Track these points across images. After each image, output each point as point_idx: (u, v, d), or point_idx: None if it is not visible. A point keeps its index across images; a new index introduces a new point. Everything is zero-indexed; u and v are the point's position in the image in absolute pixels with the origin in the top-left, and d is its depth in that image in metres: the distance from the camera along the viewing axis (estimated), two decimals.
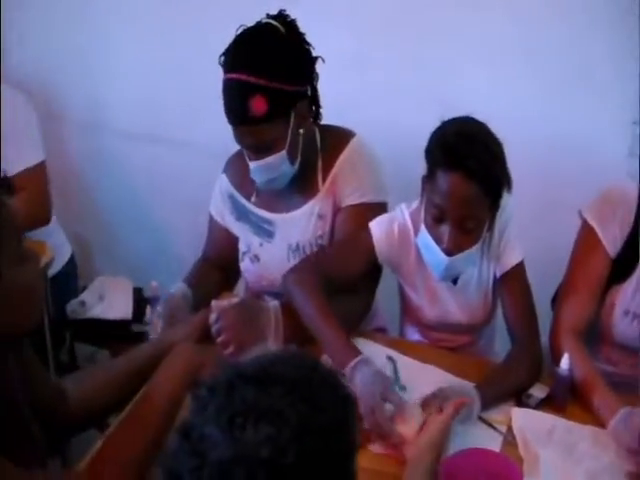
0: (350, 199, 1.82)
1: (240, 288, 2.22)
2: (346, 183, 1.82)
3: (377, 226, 1.77)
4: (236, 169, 1.94)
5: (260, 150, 1.72)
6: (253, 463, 0.72)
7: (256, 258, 1.94)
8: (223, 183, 1.97)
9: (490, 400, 1.57)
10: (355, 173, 1.83)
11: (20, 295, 1.16)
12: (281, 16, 1.69)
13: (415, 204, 1.74)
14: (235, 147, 2.71)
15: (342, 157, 1.83)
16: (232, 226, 1.98)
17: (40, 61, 2.98)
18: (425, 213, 1.64)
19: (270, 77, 1.62)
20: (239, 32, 1.69)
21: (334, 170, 1.83)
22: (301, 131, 1.74)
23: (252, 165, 1.75)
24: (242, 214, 1.94)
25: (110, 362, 1.59)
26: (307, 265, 1.76)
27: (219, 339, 1.61)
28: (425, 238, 1.64)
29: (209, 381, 0.81)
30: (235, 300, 1.70)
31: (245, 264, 1.97)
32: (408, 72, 2.34)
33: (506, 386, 1.64)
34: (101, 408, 1.51)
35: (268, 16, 1.69)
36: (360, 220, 1.80)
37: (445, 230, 1.58)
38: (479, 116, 1.58)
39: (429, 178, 1.59)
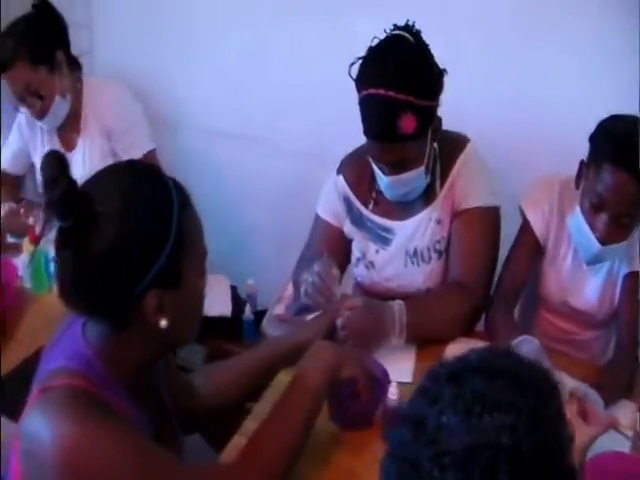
0: (467, 203, 1.85)
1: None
2: (464, 188, 1.85)
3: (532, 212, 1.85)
4: (353, 172, 1.96)
5: (400, 166, 1.74)
6: (494, 450, 0.75)
7: (371, 265, 1.96)
8: (339, 184, 1.97)
9: (608, 402, 1.58)
10: (472, 177, 1.85)
11: (195, 305, 1.23)
12: (408, 27, 1.70)
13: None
14: (319, 147, 2.80)
15: (459, 162, 1.85)
16: (347, 228, 1.99)
17: (123, 61, 3.05)
18: (583, 197, 1.70)
19: (418, 94, 1.64)
20: (373, 45, 1.70)
21: (451, 175, 1.85)
22: (435, 145, 1.77)
23: (387, 180, 1.77)
24: (358, 219, 1.96)
25: (234, 359, 1.63)
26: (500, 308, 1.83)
27: (347, 343, 1.65)
28: (579, 220, 1.71)
29: (432, 373, 0.85)
30: (359, 301, 1.74)
31: (359, 270, 1.99)
32: None
33: (617, 387, 1.67)
34: (227, 404, 1.57)
35: (396, 27, 1.71)
36: (478, 224, 1.84)
37: (602, 219, 1.65)
38: None
39: (593, 166, 1.65)
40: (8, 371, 1.78)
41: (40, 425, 1.08)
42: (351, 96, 2.61)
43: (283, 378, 1.57)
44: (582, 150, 1.73)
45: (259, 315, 2.37)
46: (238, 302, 2.47)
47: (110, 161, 2.39)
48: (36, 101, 2.32)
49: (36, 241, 2.05)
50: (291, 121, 2.80)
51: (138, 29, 3.00)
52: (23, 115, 2.52)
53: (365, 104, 1.69)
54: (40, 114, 2.37)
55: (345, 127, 2.67)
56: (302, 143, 2.83)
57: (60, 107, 2.37)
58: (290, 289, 2.20)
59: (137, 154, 2.42)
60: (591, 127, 1.69)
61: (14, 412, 1.71)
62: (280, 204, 2.96)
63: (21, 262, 2.09)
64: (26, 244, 2.06)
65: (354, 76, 1.70)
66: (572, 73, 2.19)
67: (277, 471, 1.25)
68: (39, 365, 1.27)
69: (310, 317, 1.88)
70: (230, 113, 2.96)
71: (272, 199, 2.97)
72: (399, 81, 1.63)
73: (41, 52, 2.29)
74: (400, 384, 1.50)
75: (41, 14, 2.30)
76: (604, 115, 1.69)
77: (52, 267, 2.05)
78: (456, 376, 0.82)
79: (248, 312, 2.37)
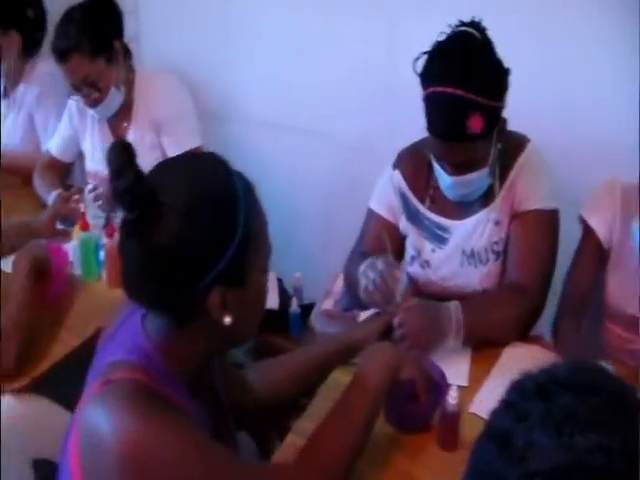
0: (527, 205, 1.81)
1: None
2: (524, 189, 1.81)
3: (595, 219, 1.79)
4: (410, 167, 1.92)
5: (465, 167, 1.71)
6: (587, 471, 0.72)
7: (427, 264, 1.93)
8: (395, 179, 1.94)
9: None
10: (533, 179, 1.81)
11: (258, 303, 1.21)
12: (474, 23, 1.66)
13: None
14: (369, 141, 2.77)
15: (519, 162, 1.81)
16: (402, 226, 1.96)
17: (170, 49, 3.05)
18: None
19: (487, 94, 1.61)
20: (439, 41, 1.67)
21: (511, 176, 1.81)
22: (499, 145, 1.74)
23: (450, 180, 1.74)
24: (414, 216, 1.92)
25: (288, 355, 1.61)
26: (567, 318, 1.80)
27: (403, 343, 1.62)
28: None
29: (518, 387, 0.82)
30: (416, 301, 1.71)
31: (414, 269, 1.95)
32: None
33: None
34: (279, 401, 1.55)
35: (462, 23, 1.67)
36: (537, 226, 1.80)
37: None
38: None
39: None
40: (59, 359, 1.77)
41: (101, 419, 1.06)
42: (403, 90, 2.59)
43: (338, 376, 1.56)
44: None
45: (305, 308, 2.36)
46: (284, 295, 2.44)
47: (158, 154, 2.39)
48: (92, 92, 2.32)
49: (86, 228, 2.03)
50: (342, 114, 2.77)
51: (186, 16, 2.99)
52: (74, 102, 2.52)
53: (431, 102, 1.66)
54: (94, 104, 2.36)
55: (395, 121, 2.67)
56: (352, 137, 2.80)
57: (114, 98, 2.37)
58: (339, 284, 2.19)
59: (183, 149, 2.38)
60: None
61: (65, 400, 1.72)
62: (328, 197, 2.94)
63: (71, 249, 2.07)
64: (76, 231, 2.05)
65: (418, 71, 1.67)
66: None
67: (338, 472, 1.22)
68: (96, 357, 1.27)
69: (362, 314, 1.86)
70: (280, 105, 2.94)
71: (320, 192, 2.95)
72: (468, 80, 1.60)
73: (100, 43, 2.28)
74: (458, 387, 1.47)
75: (98, 3, 2.28)
76: None
77: (101, 254, 2.06)
78: (544, 391, 0.78)
79: (295, 305, 2.35)
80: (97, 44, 2.26)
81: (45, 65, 2.81)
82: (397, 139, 2.62)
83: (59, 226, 2.26)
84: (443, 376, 1.51)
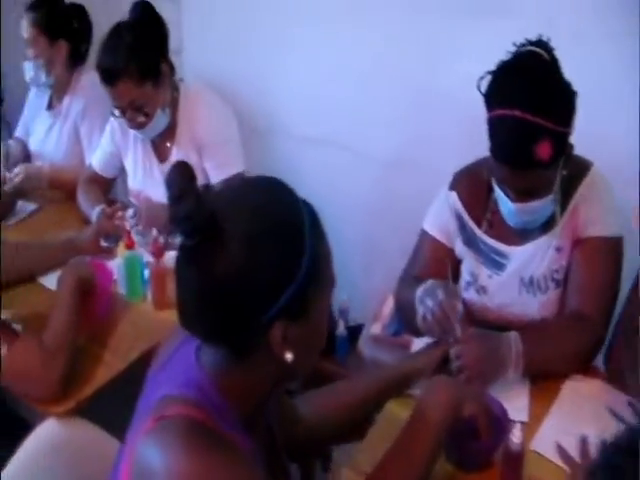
0: (590, 231, 1.74)
1: None
2: (587, 214, 1.74)
3: None
4: (467, 189, 1.86)
5: (529, 193, 1.65)
6: None
7: (483, 290, 1.86)
8: (451, 201, 1.87)
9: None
10: (596, 204, 1.74)
11: (320, 337, 1.14)
12: (541, 42, 1.60)
13: None
14: (412, 158, 2.72)
15: (582, 187, 1.74)
16: (458, 249, 1.90)
17: (218, 65, 3.03)
18: None
19: (556, 119, 1.54)
20: (505, 61, 1.61)
21: (574, 201, 1.74)
22: (564, 172, 1.67)
23: (513, 206, 1.68)
24: (471, 240, 1.86)
25: (340, 385, 1.55)
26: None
27: (461, 375, 1.56)
28: None
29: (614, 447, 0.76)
30: (474, 331, 1.64)
31: (470, 295, 1.88)
32: None
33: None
34: (331, 433, 1.50)
35: (529, 42, 1.61)
36: (601, 254, 1.73)
37: None
38: None
39: None
40: (104, 383, 1.73)
41: (155, 457, 1.01)
42: (442, 105, 2.55)
43: (393, 408, 1.53)
44: None
45: (351, 330, 2.31)
46: (330, 318, 2.37)
47: (200, 177, 2.34)
48: (138, 116, 2.26)
49: (132, 247, 2.00)
50: (384, 130, 2.73)
51: (229, 27, 2.96)
52: (117, 121, 2.48)
53: (497, 125, 1.59)
54: (139, 127, 2.31)
55: (436, 137, 2.62)
56: (394, 153, 2.76)
57: (159, 120, 2.31)
58: (387, 307, 2.13)
59: (225, 175, 2.34)
60: None
61: (110, 425, 1.68)
62: (370, 215, 2.89)
63: (115, 267, 2.04)
64: (121, 249, 2.02)
65: (482, 91, 1.62)
66: None
67: None
68: (146, 386, 1.22)
69: (416, 341, 1.81)
70: (320, 119, 2.90)
71: (362, 210, 2.91)
72: (536, 103, 1.54)
73: (149, 67, 2.23)
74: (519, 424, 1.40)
75: (146, 21, 2.23)
76: None
77: (146, 274, 2.02)
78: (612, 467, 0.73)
79: (341, 328, 2.30)
80: (145, 68, 2.20)
81: (90, 77, 2.78)
82: (438, 155, 2.59)
83: (103, 243, 2.24)
84: (504, 412, 1.44)
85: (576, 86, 1.76)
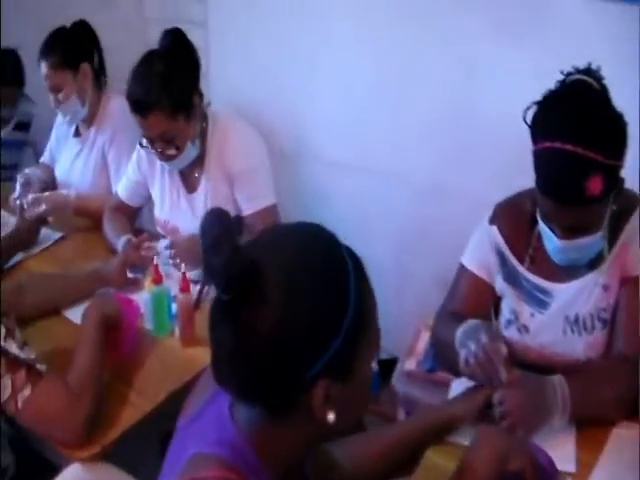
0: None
1: None
2: (636, 251, 1.65)
3: None
4: (508, 224, 1.78)
5: (577, 230, 1.57)
6: None
7: (525, 329, 1.77)
8: (492, 235, 1.79)
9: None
10: None
11: (364, 395, 1.06)
12: (590, 71, 1.53)
13: None
14: (444, 183, 2.65)
15: (631, 223, 1.66)
16: (498, 286, 1.82)
17: (243, 93, 2.99)
18: None
19: (608, 153, 1.47)
20: (553, 91, 1.54)
21: (622, 237, 1.66)
22: (614, 207, 1.59)
23: (559, 243, 1.60)
24: (512, 277, 1.78)
25: (377, 431, 1.49)
26: None
27: (504, 422, 1.49)
28: None
29: None
30: (517, 375, 1.56)
31: (510, 333, 1.80)
32: None
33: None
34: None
35: (577, 70, 1.53)
36: None
37: None
38: None
39: None
40: (130, 425, 1.66)
41: None
42: (478, 132, 2.49)
43: (432, 456, 1.47)
44: None
45: (384, 364, 2.22)
46: None
47: (230, 208, 2.27)
48: (168, 148, 2.19)
49: (159, 281, 1.94)
50: (416, 155, 2.68)
51: (257, 51, 2.93)
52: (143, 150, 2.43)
53: (545, 159, 1.52)
54: (168, 159, 2.24)
55: (473, 163, 2.56)
56: (426, 178, 2.70)
57: (189, 153, 2.25)
58: (422, 342, 2.07)
59: (257, 207, 2.28)
60: None
61: (137, 468, 1.62)
62: (402, 242, 2.83)
63: (142, 301, 1.98)
64: (148, 283, 1.96)
65: (528, 122, 1.55)
66: None
67: None
68: (176, 437, 1.15)
69: (454, 383, 1.73)
70: (352, 144, 2.86)
71: (393, 236, 2.85)
72: (588, 136, 1.46)
73: (182, 100, 2.16)
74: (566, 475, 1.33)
75: (179, 50, 2.17)
76: None
77: (174, 308, 1.96)
78: None
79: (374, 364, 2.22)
80: (178, 102, 2.13)
81: (118, 103, 2.74)
82: (471, 181, 2.53)
83: (129, 274, 2.18)
84: (551, 462, 1.35)
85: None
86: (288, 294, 0.92)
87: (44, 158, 3.05)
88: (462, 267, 1.86)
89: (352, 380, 0.97)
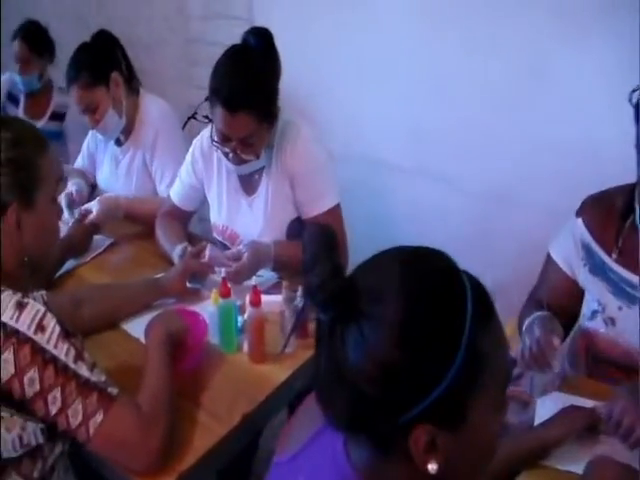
0: None
1: None
2: None
3: None
4: (595, 216, 1.74)
5: None
6: None
7: (611, 321, 1.71)
8: (577, 228, 1.76)
9: None
10: None
11: (485, 452, 0.95)
12: None
13: None
14: (502, 189, 2.56)
15: None
16: (582, 278, 1.77)
17: (289, 91, 2.89)
18: None
19: None
20: None
21: None
22: None
23: None
24: (598, 268, 1.72)
25: None
26: None
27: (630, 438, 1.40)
28: None
29: None
30: (620, 389, 1.50)
31: (596, 324, 1.73)
32: None
33: None
34: None
35: None
36: None
37: None
38: None
39: None
40: (205, 451, 1.57)
41: None
42: (544, 142, 2.39)
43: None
44: None
45: None
46: None
47: (291, 210, 2.18)
48: (246, 152, 2.08)
49: (227, 294, 1.85)
50: (472, 159, 2.59)
51: (310, 48, 2.83)
52: (198, 146, 2.34)
53: None
54: (240, 163, 2.12)
55: (529, 166, 2.46)
56: (490, 186, 2.60)
57: (262, 160, 2.15)
58: None
59: (321, 209, 2.18)
60: None
61: None
62: (463, 249, 2.72)
63: (207, 314, 1.89)
64: (214, 296, 1.86)
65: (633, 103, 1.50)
66: None
67: None
68: (277, 475, 1.08)
69: (538, 402, 1.63)
70: (406, 146, 2.77)
71: (454, 243, 2.73)
72: None
73: (271, 104, 2.07)
74: None
75: (271, 55, 2.07)
76: None
77: (240, 321, 1.88)
78: None
79: None
80: (268, 106, 2.04)
81: (156, 104, 2.70)
82: (534, 190, 2.42)
83: (188, 284, 2.10)
84: None
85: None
86: (392, 323, 0.84)
87: (80, 164, 2.96)
88: (549, 256, 1.85)
89: (466, 431, 0.87)
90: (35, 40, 3.46)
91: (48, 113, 3.63)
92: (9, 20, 3.61)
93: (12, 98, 3.74)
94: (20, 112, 3.66)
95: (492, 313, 0.90)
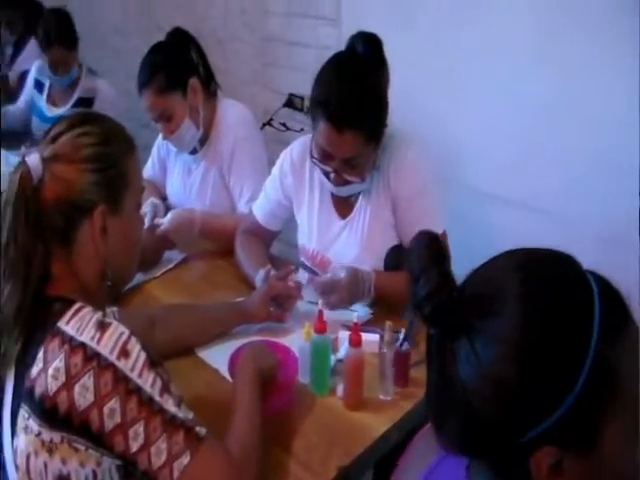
0: None
1: None
2: None
3: None
4: None
5: None
6: None
7: None
8: None
9: None
10: None
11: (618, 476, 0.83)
12: None
13: None
14: (618, 230, 2.35)
15: None
16: None
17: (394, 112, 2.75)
18: None
19: None
20: None
21: None
22: None
23: None
24: None
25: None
26: None
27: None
28: None
29: None
30: None
31: None
32: None
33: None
34: None
35: None
36: None
37: None
38: None
39: None
40: None
41: None
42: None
43: None
44: None
45: None
46: None
47: (392, 236, 1.98)
48: (352, 174, 1.91)
49: (323, 330, 1.65)
50: (584, 195, 2.37)
51: (411, 75, 2.67)
52: (288, 161, 2.15)
53: None
54: (344, 184, 1.94)
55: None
56: (598, 223, 2.38)
57: (366, 183, 1.98)
58: None
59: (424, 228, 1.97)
60: None
61: None
62: None
63: (296, 349, 1.70)
64: (307, 331, 1.67)
65: None
66: None
67: None
68: None
69: None
70: (509, 176, 2.59)
71: None
72: None
73: (381, 125, 1.90)
74: None
75: (383, 67, 1.90)
76: None
77: (332, 360, 1.68)
78: None
79: None
80: (378, 127, 1.87)
81: (235, 110, 2.51)
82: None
83: (272, 310, 1.91)
84: None
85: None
86: (509, 340, 0.77)
87: (150, 173, 2.73)
88: None
89: (596, 457, 0.78)
90: (67, 37, 3.31)
91: (74, 98, 3.46)
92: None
93: (37, 83, 3.61)
94: (43, 98, 3.52)
95: (625, 321, 0.81)
